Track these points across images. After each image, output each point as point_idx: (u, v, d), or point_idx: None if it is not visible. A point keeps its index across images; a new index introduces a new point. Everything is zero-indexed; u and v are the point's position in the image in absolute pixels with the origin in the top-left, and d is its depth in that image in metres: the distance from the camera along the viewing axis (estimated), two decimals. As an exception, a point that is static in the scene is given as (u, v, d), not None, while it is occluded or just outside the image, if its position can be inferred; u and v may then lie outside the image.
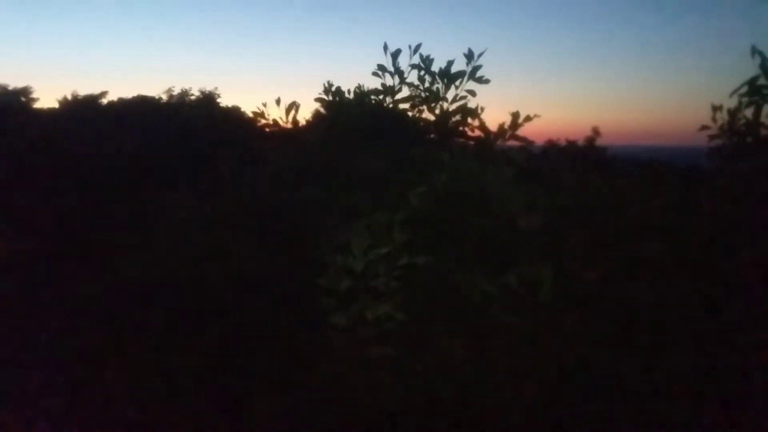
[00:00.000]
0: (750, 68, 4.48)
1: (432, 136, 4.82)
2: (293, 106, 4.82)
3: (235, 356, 4.27)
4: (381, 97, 5.19)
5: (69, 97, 19.56)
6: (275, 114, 4.85)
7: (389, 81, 5.20)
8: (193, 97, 19.16)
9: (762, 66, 4.34)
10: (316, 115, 5.44)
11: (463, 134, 5.05)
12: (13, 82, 19.31)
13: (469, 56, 4.68)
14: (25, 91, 19.02)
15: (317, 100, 5.25)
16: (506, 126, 4.37)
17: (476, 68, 4.66)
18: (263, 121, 4.83)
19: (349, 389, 3.48)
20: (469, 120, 4.97)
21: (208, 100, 19.49)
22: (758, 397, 3.77)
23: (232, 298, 4.18)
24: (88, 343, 5.29)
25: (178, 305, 4.44)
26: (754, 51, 4.35)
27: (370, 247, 3.52)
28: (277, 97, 4.78)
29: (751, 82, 4.39)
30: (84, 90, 18.41)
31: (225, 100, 20.24)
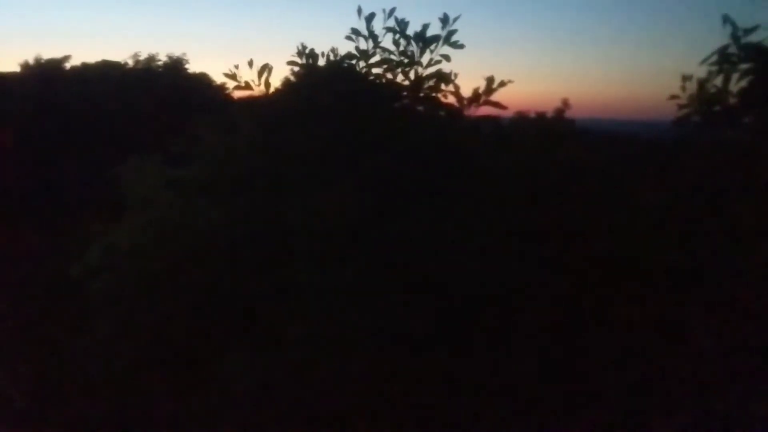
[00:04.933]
0: (721, 38, 4.53)
1: (405, 101, 4.78)
2: (266, 68, 4.72)
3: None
4: (354, 61, 5.11)
5: (31, 61, 18.92)
6: (247, 77, 4.74)
7: (363, 45, 5.14)
8: (160, 63, 18.71)
9: (733, 35, 4.39)
10: (286, 82, 5.33)
11: (436, 100, 5.03)
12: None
13: (445, 20, 4.63)
14: (-17, 55, 18.28)
15: (290, 63, 5.14)
16: (480, 91, 4.35)
17: (451, 32, 4.61)
18: (234, 84, 4.71)
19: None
20: (443, 86, 4.95)
21: (176, 66, 19.05)
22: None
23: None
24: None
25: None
26: (726, 20, 4.39)
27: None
28: (249, 59, 4.67)
29: (722, 51, 4.44)
30: (46, 54, 17.81)
31: (193, 67, 19.81)
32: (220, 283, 4.03)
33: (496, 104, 4.35)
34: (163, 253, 4.64)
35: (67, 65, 18.31)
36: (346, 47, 5.24)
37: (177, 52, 18.93)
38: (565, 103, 5.39)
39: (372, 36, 5.13)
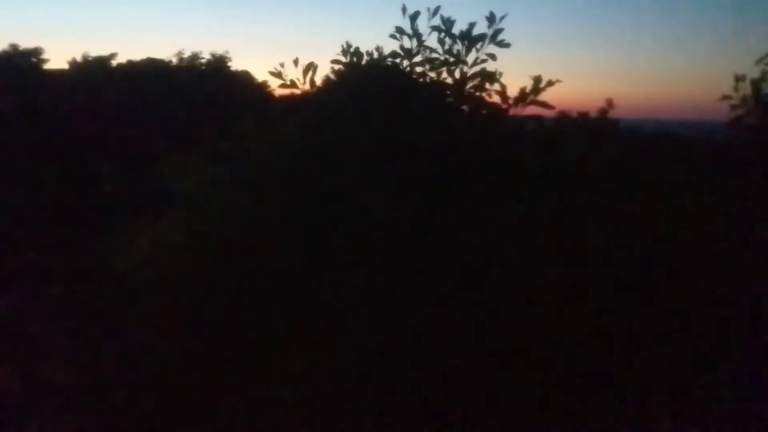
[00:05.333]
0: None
1: (450, 100, 4.74)
2: (311, 66, 4.74)
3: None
4: (398, 60, 5.10)
5: (79, 59, 19.44)
6: (292, 75, 4.76)
7: (407, 44, 5.13)
8: (203, 60, 19.01)
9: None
10: (327, 80, 5.34)
11: (481, 99, 4.98)
12: (24, 43, 19.21)
13: (491, 19, 4.58)
14: (36, 52, 18.92)
15: (334, 62, 5.16)
16: (527, 90, 4.29)
17: (498, 31, 4.56)
18: (280, 82, 4.74)
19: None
20: (487, 85, 4.89)
21: (219, 64, 19.33)
22: None
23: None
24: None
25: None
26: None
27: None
28: (295, 58, 4.70)
29: (777, 51, 4.28)
30: (94, 51, 18.30)
31: (236, 65, 20.06)
32: (262, 282, 4.06)
33: (544, 104, 4.28)
34: (205, 249, 4.71)
35: (114, 62, 18.76)
36: (390, 46, 5.26)
37: (220, 50, 19.24)
38: (609, 103, 5.27)
39: (416, 35, 5.11)
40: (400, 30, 5.11)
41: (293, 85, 4.73)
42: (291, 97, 5.46)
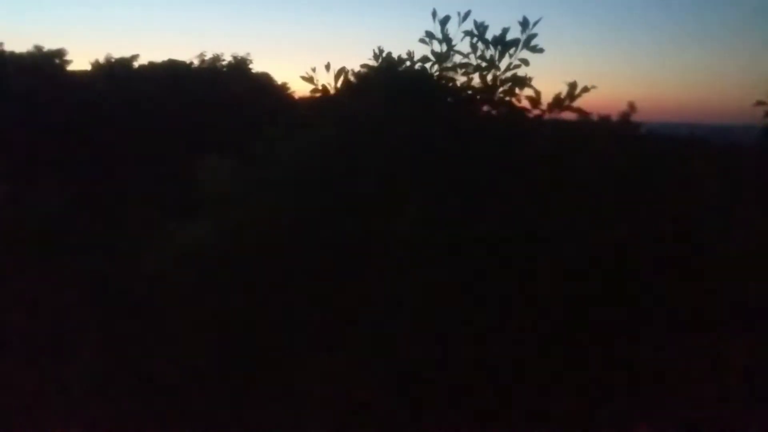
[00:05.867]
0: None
1: (483, 106, 4.73)
2: (342, 72, 4.75)
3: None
4: (429, 64, 5.09)
5: (102, 60, 19.64)
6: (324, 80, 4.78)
7: (437, 48, 5.11)
8: (224, 62, 19.11)
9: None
10: (348, 82, 5.31)
11: (512, 104, 4.95)
12: (48, 44, 19.43)
13: (524, 24, 4.56)
14: (59, 53, 19.15)
15: (363, 66, 5.17)
16: (562, 96, 4.25)
17: (531, 36, 4.53)
18: (312, 87, 4.75)
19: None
20: (516, 90, 4.87)
21: (240, 65, 19.42)
22: None
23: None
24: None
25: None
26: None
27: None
28: (326, 62, 4.71)
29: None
30: (116, 52, 18.48)
31: (257, 66, 20.12)
32: (295, 285, 4.06)
33: (579, 111, 4.25)
34: (237, 252, 4.73)
35: (136, 64, 18.92)
36: (419, 51, 5.25)
37: (241, 52, 19.35)
38: (632, 107, 5.21)
39: (446, 39, 5.10)
40: (429, 34, 5.10)
41: (325, 90, 4.75)
42: (313, 100, 5.47)
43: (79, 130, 15.95)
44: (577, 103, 4.24)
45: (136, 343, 5.36)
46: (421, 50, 5.22)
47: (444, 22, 5.03)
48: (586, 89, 4.21)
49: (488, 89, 4.56)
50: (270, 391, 4.07)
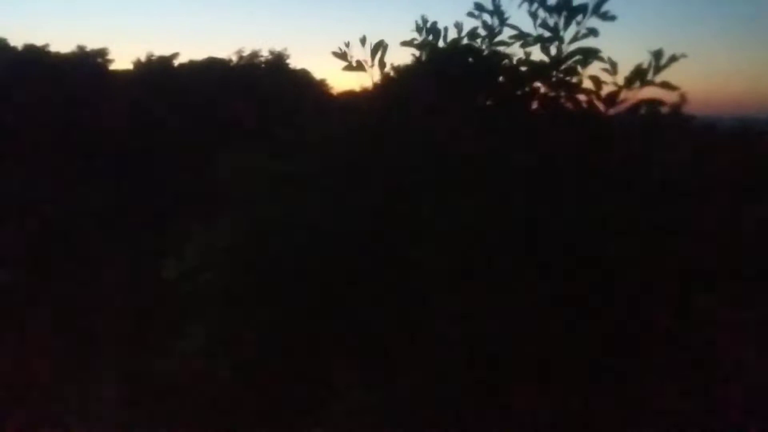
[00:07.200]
0: None
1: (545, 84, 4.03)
2: (380, 46, 4.12)
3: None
4: (479, 40, 4.44)
5: (143, 59, 19.70)
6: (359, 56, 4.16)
7: (488, 21, 4.48)
8: (262, 59, 18.84)
9: None
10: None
11: (571, 85, 4.23)
12: (91, 44, 19.65)
13: (593, -14, 3.85)
14: (101, 53, 19.28)
15: (405, 44, 4.53)
16: (645, 67, 3.51)
17: (601, 1, 3.82)
18: (345, 64, 4.14)
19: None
20: (579, 68, 4.15)
21: (278, 62, 19.13)
22: None
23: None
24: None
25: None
26: None
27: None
28: (362, 36, 4.10)
29: None
30: (157, 51, 18.48)
31: (294, 62, 19.85)
32: (328, 292, 3.49)
33: (666, 85, 3.49)
34: (266, 254, 4.19)
35: (176, 62, 18.87)
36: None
37: (278, 47, 19.08)
38: (683, 98, 4.43)
39: (497, 11, 4.46)
40: (479, 6, 4.47)
41: (360, 67, 4.13)
42: (352, 95, 4.90)
43: (120, 129, 15.92)
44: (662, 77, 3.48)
45: (154, 351, 4.94)
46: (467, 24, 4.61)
47: (496, -9, 4.42)
48: (674, 58, 3.46)
49: (552, 64, 3.86)
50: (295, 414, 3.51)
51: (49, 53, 18.73)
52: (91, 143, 15.49)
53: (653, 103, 3.47)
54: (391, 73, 4.16)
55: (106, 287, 6.78)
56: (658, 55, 3.42)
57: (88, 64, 18.45)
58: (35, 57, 18.24)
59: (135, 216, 11.22)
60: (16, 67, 17.38)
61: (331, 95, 19.31)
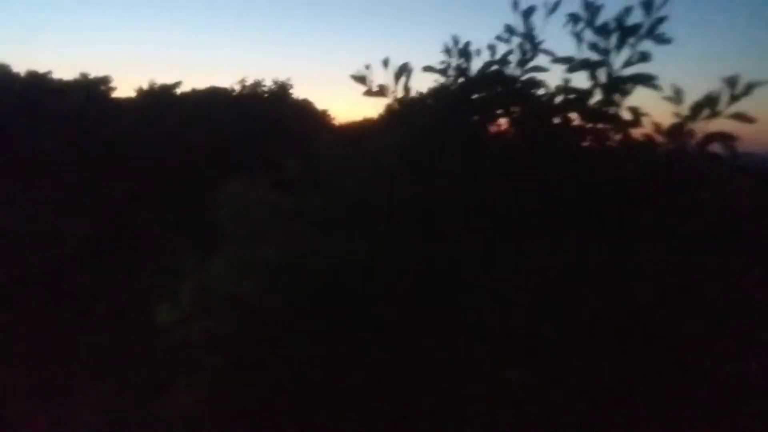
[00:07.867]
0: None
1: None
2: (404, 69, 3.68)
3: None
4: (512, 66, 4.02)
5: (145, 87, 19.49)
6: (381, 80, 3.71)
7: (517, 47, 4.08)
8: (265, 88, 18.59)
9: None
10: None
11: (613, 117, 3.78)
12: (94, 71, 19.50)
13: (647, 5, 3.41)
14: (104, 80, 19.08)
15: (427, 69, 4.10)
16: (714, 96, 3.05)
17: (658, 21, 3.38)
18: (364, 89, 3.69)
19: None
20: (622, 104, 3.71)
21: (281, 91, 18.87)
22: None
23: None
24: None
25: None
26: None
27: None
28: (384, 58, 3.66)
29: None
30: (160, 79, 18.30)
31: (298, 92, 19.65)
32: (348, 345, 2.97)
33: (741, 117, 3.02)
34: (273, 300, 3.67)
35: (178, 91, 18.63)
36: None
37: (282, 77, 18.86)
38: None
39: (529, 36, 4.05)
40: (509, 29, 4.07)
41: (381, 92, 3.68)
42: (355, 126, 4.48)
43: (119, 157, 15.55)
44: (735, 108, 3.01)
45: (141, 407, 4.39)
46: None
47: (527, 14, 4.01)
48: (750, 87, 3.00)
49: (606, 93, 3.39)
50: None
51: (52, 80, 18.57)
52: (90, 170, 15.12)
53: (726, 137, 2.99)
54: (416, 99, 3.71)
55: (91, 330, 6.24)
56: (732, 81, 2.95)
57: (90, 91, 18.24)
58: (37, 82, 18.05)
59: (129, 249, 10.76)
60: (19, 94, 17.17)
61: (334, 126, 19.09)
